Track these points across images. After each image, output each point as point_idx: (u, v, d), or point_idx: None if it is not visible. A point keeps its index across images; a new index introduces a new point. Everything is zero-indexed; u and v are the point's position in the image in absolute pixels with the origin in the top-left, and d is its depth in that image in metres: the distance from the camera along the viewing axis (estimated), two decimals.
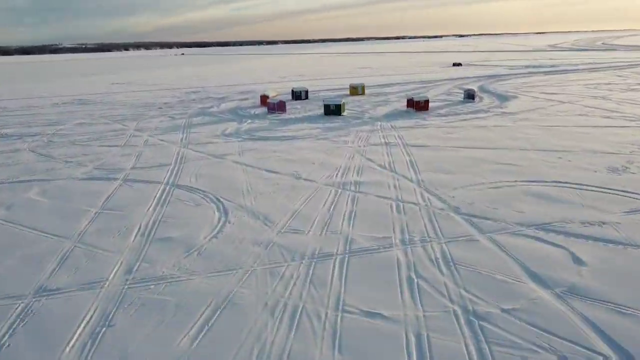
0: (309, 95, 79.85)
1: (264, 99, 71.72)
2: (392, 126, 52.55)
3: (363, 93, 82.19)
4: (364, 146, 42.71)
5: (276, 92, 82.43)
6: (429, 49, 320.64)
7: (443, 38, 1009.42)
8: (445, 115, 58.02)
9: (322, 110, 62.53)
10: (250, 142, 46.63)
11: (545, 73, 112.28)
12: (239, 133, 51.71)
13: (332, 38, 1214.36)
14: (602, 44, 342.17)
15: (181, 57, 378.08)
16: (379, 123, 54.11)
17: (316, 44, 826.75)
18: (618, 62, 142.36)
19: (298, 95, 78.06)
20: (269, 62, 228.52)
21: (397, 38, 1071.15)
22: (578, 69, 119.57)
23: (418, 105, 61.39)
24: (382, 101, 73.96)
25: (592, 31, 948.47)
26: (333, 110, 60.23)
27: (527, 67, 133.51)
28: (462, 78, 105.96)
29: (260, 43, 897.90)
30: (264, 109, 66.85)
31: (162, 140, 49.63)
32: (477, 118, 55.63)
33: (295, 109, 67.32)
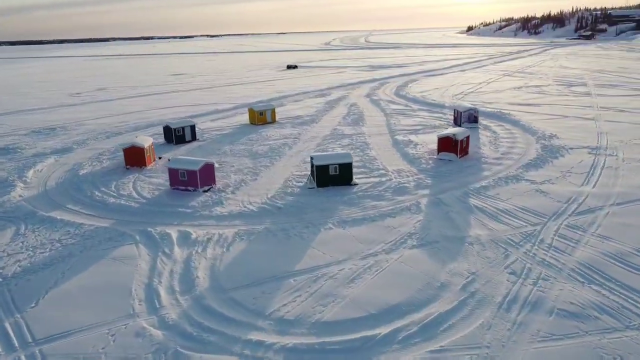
0: (197, 131, 52.25)
1: (134, 154, 40.75)
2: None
3: (273, 120, 59.09)
4: None
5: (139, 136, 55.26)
6: (212, 49, 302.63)
7: (194, 38, 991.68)
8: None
9: (288, 176, 36.95)
10: None
11: (430, 73, 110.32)
12: None
13: (69, 39, 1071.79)
14: (366, 41, 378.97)
15: None
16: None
17: (51, 45, 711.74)
18: (460, 58, 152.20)
19: (179, 135, 48.95)
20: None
21: (146, 38, 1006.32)
22: (447, 68, 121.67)
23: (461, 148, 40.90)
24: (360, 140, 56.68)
25: (341, 31, 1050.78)
26: (336, 176, 34.05)
27: (389, 67, 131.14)
28: (351, 84, 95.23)
29: None
30: (153, 183, 37.04)
31: None
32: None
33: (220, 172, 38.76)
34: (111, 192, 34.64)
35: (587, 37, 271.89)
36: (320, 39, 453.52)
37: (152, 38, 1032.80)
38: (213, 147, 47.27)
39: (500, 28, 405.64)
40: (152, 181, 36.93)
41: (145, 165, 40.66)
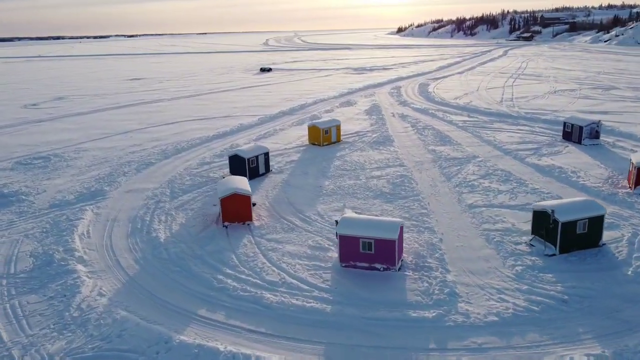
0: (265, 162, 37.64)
1: (236, 205, 27.59)
2: None
3: (338, 139, 47.04)
4: None
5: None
6: (141, 50, 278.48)
7: (110, 38, 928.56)
8: None
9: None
10: None
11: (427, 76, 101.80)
12: None
13: None
14: (302, 41, 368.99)
15: None
16: None
17: None
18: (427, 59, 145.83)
19: (253, 167, 35.93)
20: None
21: (55, 38, 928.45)
22: (438, 70, 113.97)
23: None
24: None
25: (266, 32, 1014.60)
26: (583, 236, 23.45)
27: (376, 70, 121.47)
28: (359, 89, 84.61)
29: None
30: (292, 253, 24.11)
31: None
32: None
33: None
34: (245, 275, 21.86)
35: (527, 39, 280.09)
36: (253, 40, 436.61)
37: (62, 38, 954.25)
38: (307, 182, 34.95)
39: (435, 29, 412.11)
40: (288, 249, 24.47)
41: (251, 220, 27.90)
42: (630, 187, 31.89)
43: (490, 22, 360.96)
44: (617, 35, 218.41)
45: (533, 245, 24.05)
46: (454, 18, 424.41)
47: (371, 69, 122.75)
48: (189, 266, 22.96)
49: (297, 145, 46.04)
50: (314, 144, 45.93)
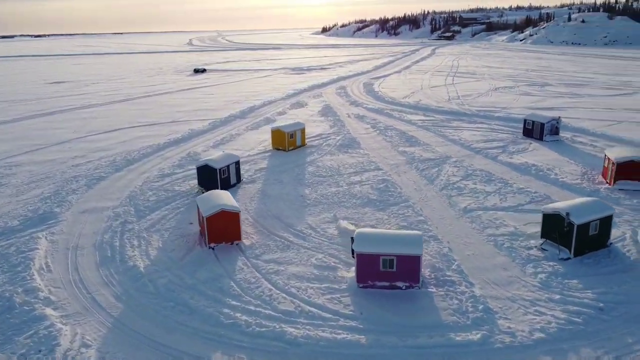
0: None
1: (223, 223, 24.55)
2: None
3: (303, 143, 44.89)
4: None
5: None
6: (55, 52, 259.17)
7: (16, 38, 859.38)
8: None
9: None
10: None
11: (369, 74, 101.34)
12: None
13: None
14: (228, 41, 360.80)
15: None
16: None
17: None
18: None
19: (224, 178, 32.72)
20: None
21: None
22: (376, 69, 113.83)
23: None
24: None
25: (185, 32, 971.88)
26: (595, 237, 22.98)
27: (314, 69, 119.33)
28: (304, 90, 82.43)
29: None
30: (292, 273, 21.75)
31: None
32: None
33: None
34: (254, 306, 19.09)
35: (448, 38, 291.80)
36: (175, 40, 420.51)
37: None
38: (285, 192, 32.40)
39: (359, 29, 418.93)
40: (292, 271, 21.95)
41: (240, 239, 25.04)
42: (608, 183, 32.48)
43: (412, 22, 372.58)
44: (531, 35, 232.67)
45: (546, 250, 23.29)
46: (377, 18, 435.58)
47: (309, 69, 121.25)
48: (185, 300, 19.87)
49: (260, 151, 43.24)
50: (279, 149, 43.37)
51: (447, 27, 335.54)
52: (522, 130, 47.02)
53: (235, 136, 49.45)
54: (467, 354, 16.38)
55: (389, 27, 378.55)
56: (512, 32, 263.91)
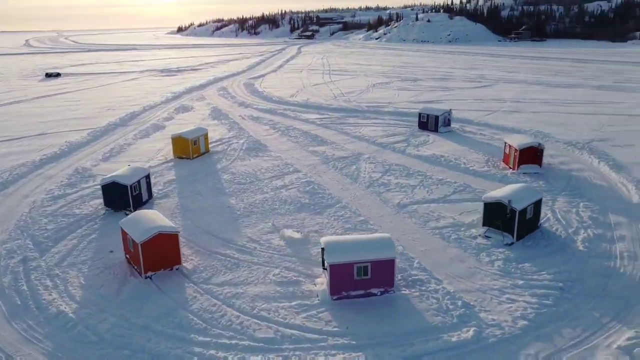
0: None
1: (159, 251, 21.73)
2: None
3: (207, 149, 42.03)
4: None
5: None
6: None
7: None
8: None
9: None
10: None
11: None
12: None
13: None
14: (73, 41, 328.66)
15: None
16: None
17: None
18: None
19: (136, 195, 29.20)
20: None
21: None
22: (250, 70, 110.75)
23: None
24: None
25: (18, 32, 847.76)
26: (531, 221, 24.91)
27: (184, 70, 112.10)
28: (184, 92, 77.35)
29: None
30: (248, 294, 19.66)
31: None
32: None
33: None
34: (228, 339, 16.82)
35: (309, 37, 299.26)
36: (8, 41, 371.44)
37: None
38: (208, 204, 29.60)
39: (218, 29, 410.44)
40: (252, 292, 19.87)
41: (180, 263, 22.08)
42: (511, 168, 35.25)
43: (271, 21, 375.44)
44: (385, 34, 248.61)
45: (490, 237, 24.29)
46: (234, 18, 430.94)
47: (179, 70, 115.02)
48: (141, 345, 16.81)
49: (161, 162, 39.34)
50: (182, 158, 39.87)
51: (306, 26, 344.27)
52: (417, 124, 49.41)
53: (126, 146, 44.48)
54: (468, 354, 16.17)
55: (249, 26, 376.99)
56: (367, 31, 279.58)
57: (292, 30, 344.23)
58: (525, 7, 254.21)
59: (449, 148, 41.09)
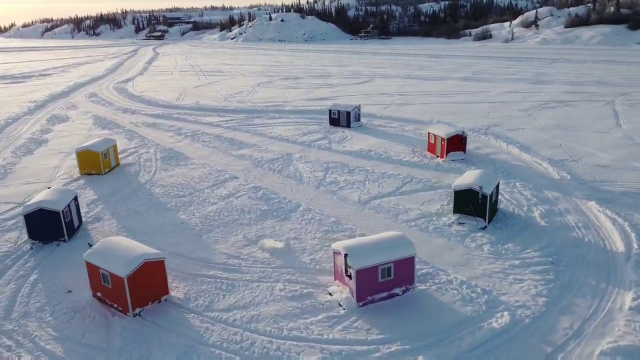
0: None
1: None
2: None
3: (117, 162, 37.37)
4: None
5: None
6: None
7: None
8: None
9: None
10: None
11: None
12: None
13: None
14: None
15: None
16: None
17: None
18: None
19: (69, 222, 24.05)
20: None
21: None
22: (107, 75, 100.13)
23: None
24: None
25: None
26: (495, 203, 27.13)
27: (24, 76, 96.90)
28: (42, 101, 67.34)
29: None
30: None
31: None
32: None
33: None
34: None
35: (158, 37, 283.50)
36: None
37: None
38: (156, 223, 26.14)
39: (49, 29, 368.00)
40: (268, 312, 18.04)
41: (168, 293, 19.11)
42: (438, 156, 37.23)
43: (112, 21, 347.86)
44: (240, 33, 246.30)
45: (463, 223, 25.37)
46: (66, 17, 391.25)
47: (25, 77, 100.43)
48: None
49: (67, 180, 33.87)
50: (91, 174, 34.82)
51: (153, 26, 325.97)
52: (326, 120, 49.74)
53: (9, 167, 37.44)
54: (516, 337, 16.63)
55: (87, 27, 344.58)
56: (221, 31, 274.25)
57: (138, 30, 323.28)
58: (368, 8, 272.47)
59: (371, 142, 42.07)
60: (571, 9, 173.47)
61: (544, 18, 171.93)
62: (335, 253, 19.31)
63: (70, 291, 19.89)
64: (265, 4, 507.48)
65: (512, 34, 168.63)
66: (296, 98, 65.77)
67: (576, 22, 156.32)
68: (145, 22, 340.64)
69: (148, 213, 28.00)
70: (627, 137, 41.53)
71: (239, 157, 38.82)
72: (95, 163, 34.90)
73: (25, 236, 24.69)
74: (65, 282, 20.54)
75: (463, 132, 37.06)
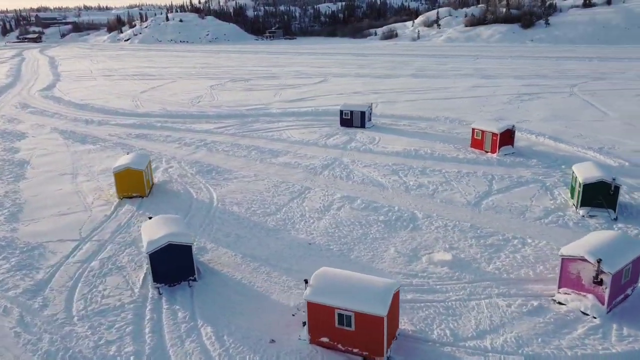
0: None
1: None
2: None
3: (153, 182, 32.14)
4: None
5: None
6: None
7: None
8: None
9: None
10: None
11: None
12: None
13: None
14: None
15: None
16: None
17: None
18: None
19: None
20: None
21: None
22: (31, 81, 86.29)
23: None
24: None
25: None
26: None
27: None
28: None
29: None
30: None
31: None
32: None
33: None
34: None
35: (35, 40, 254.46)
36: None
37: None
38: (277, 250, 22.66)
39: None
40: None
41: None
42: (490, 152, 36.96)
43: None
44: (135, 34, 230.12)
45: (595, 215, 25.33)
46: None
47: None
48: None
49: (110, 207, 28.21)
50: (132, 196, 29.39)
51: (24, 27, 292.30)
52: (334, 121, 47.68)
53: (13, 196, 30.28)
54: None
55: None
56: (110, 32, 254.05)
57: (6, 32, 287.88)
58: (267, 8, 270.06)
59: (405, 142, 40.83)
60: (467, 9, 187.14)
61: (444, 18, 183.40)
62: (569, 260, 18.00)
63: (273, 340, 16.27)
64: (146, 4, 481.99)
65: (418, 33, 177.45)
66: (271, 100, 62.38)
67: (475, 22, 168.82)
68: (13, 23, 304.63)
69: (254, 236, 24.20)
70: (627, 124, 45.17)
71: (283, 165, 35.45)
72: (139, 183, 29.56)
73: (139, 281, 19.95)
74: (248, 331, 16.77)
75: (513, 126, 37.50)
